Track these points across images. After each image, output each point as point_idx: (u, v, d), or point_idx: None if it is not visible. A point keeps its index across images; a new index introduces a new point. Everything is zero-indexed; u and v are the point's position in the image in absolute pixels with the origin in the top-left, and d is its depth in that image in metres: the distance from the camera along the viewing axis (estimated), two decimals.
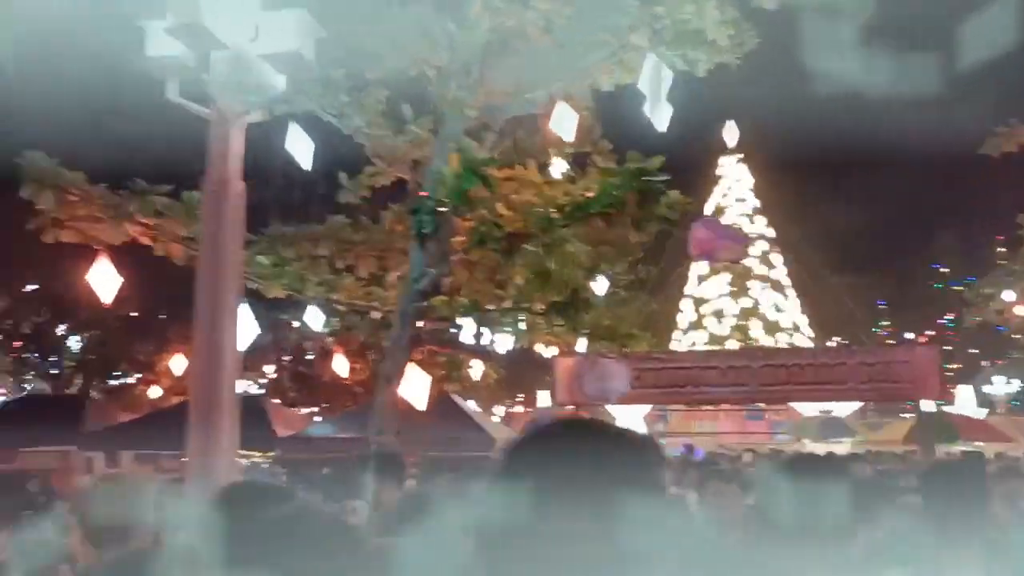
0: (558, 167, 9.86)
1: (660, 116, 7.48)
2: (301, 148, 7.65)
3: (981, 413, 24.71)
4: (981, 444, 16.06)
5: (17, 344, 30.83)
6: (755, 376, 13.38)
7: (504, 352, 17.87)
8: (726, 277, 33.39)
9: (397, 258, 10.94)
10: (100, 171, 9.11)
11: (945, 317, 49.04)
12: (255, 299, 9.19)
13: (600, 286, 16.35)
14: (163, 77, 5.01)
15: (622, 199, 7.60)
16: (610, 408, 24.72)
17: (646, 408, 26.01)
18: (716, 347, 28.88)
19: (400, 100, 8.97)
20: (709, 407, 26.93)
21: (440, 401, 14.94)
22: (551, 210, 8.06)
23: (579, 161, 10.54)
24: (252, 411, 17.20)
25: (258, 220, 11.93)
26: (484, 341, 11.14)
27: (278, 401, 23.90)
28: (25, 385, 32.95)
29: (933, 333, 42.96)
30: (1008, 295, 22.07)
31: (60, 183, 8.36)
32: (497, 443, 15.83)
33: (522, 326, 15.93)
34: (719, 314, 32.71)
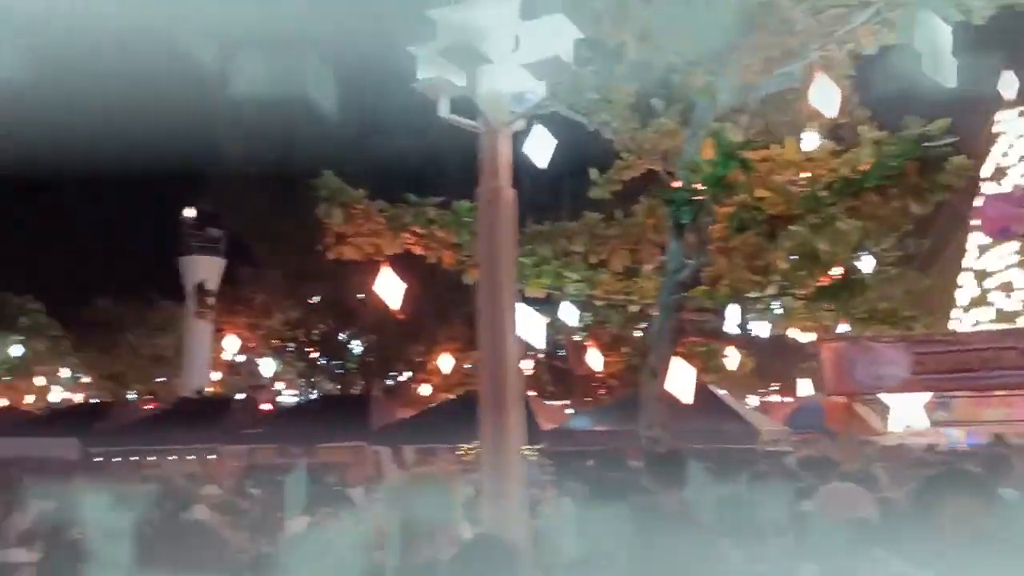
0: (810, 141, 9.28)
1: (946, 72, 6.77)
2: (542, 149, 7.84)
3: None
4: None
5: (310, 350, 34.56)
6: None
7: (758, 340, 17.22)
8: (1014, 246, 29.62)
9: (650, 250, 10.86)
10: (375, 188, 9.93)
11: None
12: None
13: (866, 264, 15.26)
14: (434, 97, 5.32)
15: (901, 169, 6.97)
16: (884, 397, 22.89)
17: (926, 396, 23.78)
18: (1008, 325, 25.76)
19: (648, 91, 8.89)
20: (1002, 392, 24.06)
21: (699, 392, 14.61)
22: (818, 188, 7.58)
23: (834, 134, 9.86)
24: None
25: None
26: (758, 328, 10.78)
27: (535, 394, 24.73)
28: (314, 387, 36.91)
29: None
30: None
31: (347, 200, 9.20)
32: (761, 434, 15.23)
33: (780, 311, 15.27)
34: (1007, 288, 29.06)
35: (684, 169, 8.19)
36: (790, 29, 8.19)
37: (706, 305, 9.17)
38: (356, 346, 34.27)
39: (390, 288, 7.67)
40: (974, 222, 31.36)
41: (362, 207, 9.37)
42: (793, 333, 21.85)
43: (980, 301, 29.72)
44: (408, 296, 8.09)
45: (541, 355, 28.89)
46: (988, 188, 31.23)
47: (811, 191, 7.67)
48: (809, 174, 8.23)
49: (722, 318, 9.00)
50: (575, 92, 8.95)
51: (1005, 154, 30.77)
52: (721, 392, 17.01)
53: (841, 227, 7.88)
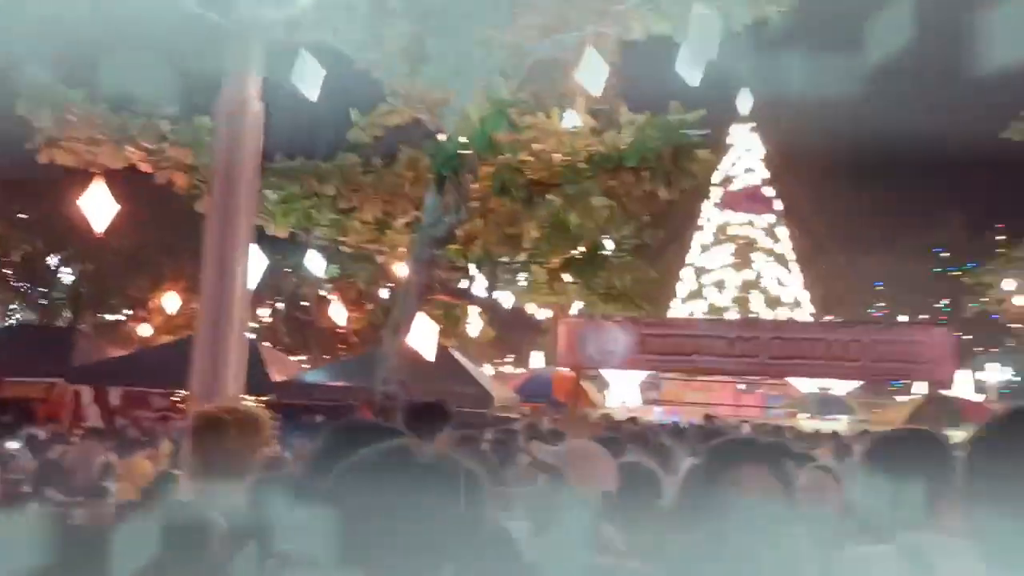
0: (573, 119, 9.39)
1: (695, 71, 7.02)
2: (310, 78, 7.18)
3: (979, 399, 24.62)
4: None
5: (6, 271, 30.24)
6: (765, 348, 13.06)
7: (502, 309, 17.57)
8: (729, 248, 33.04)
9: (405, 204, 10.49)
10: (103, 91, 8.59)
11: (941, 302, 48.88)
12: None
13: (608, 246, 15.96)
14: None
15: (658, 152, 7.17)
16: (606, 373, 24.51)
17: (642, 375, 25.81)
18: (717, 317, 28.63)
19: (423, 35, 8.45)
20: (704, 378, 26.75)
21: (440, 354, 14.63)
22: (579, 160, 7.63)
23: (593, 116, 10.07)
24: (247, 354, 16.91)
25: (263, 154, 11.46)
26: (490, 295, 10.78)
27: (269, 344, 23.56)
28: (11, 315, 32.51)
29: (927, 317, 42.76)
30: (1008, 284, 21.87)
31: (58, 101, 7.86)
32: (495, 401, 15.56)
33: (525, 284, 15.59)
34: (720, 285, 32.41)
35: (452, 121, 7.88)
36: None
37: (458, 264, 8.99)
38: (67, 274, 30.56)
39: (98, 206, 6.63)
40: (699, 222, 34.57)
41: (80, 111, 8.05)
42: (533, 309, 22.80)
43: (697, 294, 32.89)
44: (132, 221, 7.05)
45: (281, 303, 27.60)
46: (715, 193, 34.52)
47: (571, 162, 7.69)
48: (573, 146, 8.27)
49: (471, 280, 8.87)
50: (346, 22, 8.31)
51: (734, 164, 34.17)
52: (461, 357, 17.13)
53: (594, 203, 8.01)
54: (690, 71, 7.17)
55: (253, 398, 15.04)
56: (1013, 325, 29.61)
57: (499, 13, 8.23)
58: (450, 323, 23.42)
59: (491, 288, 9.05)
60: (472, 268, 8.87)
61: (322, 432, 2.18)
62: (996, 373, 34.13)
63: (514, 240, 9.93)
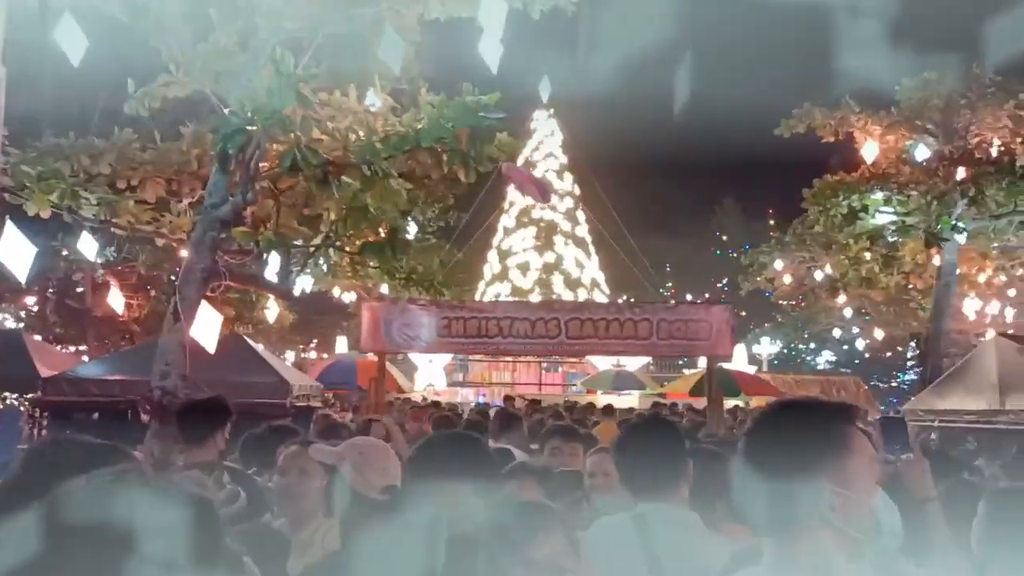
0: (372, 98, 9.12)
1: (492, 55, 7.00)
2: (73, 43, 6.45)
3: (751, 370, 26.89)
4: (760, 397, 17.37)
5: None
6: (564, 329, 13.44)
7: (299, 294, 16.93)
8: (532, 231, 33.90)
9: (191, 183, 9.77)
10: None
11: (722, 281, 52.87)
12: (15, 217, 7.78)
13: (411, 229, 15.76)
14: None
15: (454, 133, 7.07)
16: (414, 356, 24.36)
17: (447, 358, 25.93)
18: (520, 299, 29.26)
19: (205, 1, 7.84)
20: (508, 359, 27.31)
21: (232, 343, 13.85)
22: (376, 140, 7.37)
23: (394, 98, 9.85)
24: (9, 347, 15.13)
25: (27, 131, 10.23)
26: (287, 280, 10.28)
27: (39, 337, 21.33)
28: None
29: (709, 296, 46.15)
30: (778, 264, 24.00)
31: None
32: (296, 390, 14.98)
33: (326, 267, 15.07)
34: (524, 267, 33.18)
35: (238, 95, 7.36)
36: None
37: (246, 248, 8.46)
38: None
39: None
40: (504, 204, 35.19)
41: None
42: (336, 292, 22.21)
43: (501, 277, 33.51)
44: None
45: (51, 291, 25.07)
46: None
47: (368, 142, 7.42)
48: (370, 126, 8.00)
49: (263, 265, 8.38)
50: None
51: (536, 149, 35.03)
52: (257, 345, 16.30)
53: (392, 185, 7.80)
54: (490, 55, 7.13)
55: (15, 395, 13.53)
56: (782, 302, 32.52)
57: None
58: (244, 309, 22.33)
59: (285, 273, 8.59)
60: (265, 252, 8.36)
61: (23, 452, 1.82)
62: (768, 346, 37.50)
63: (311, 222, 9.51)
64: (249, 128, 6.95)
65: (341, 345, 28.61)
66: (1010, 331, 16.81)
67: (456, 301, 16.26)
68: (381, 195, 7.93)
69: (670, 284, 52.85)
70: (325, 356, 29.94)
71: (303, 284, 16.72)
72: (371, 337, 15.09)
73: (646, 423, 3.37)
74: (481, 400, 23.52)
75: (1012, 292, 25.80)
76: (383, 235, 8.94)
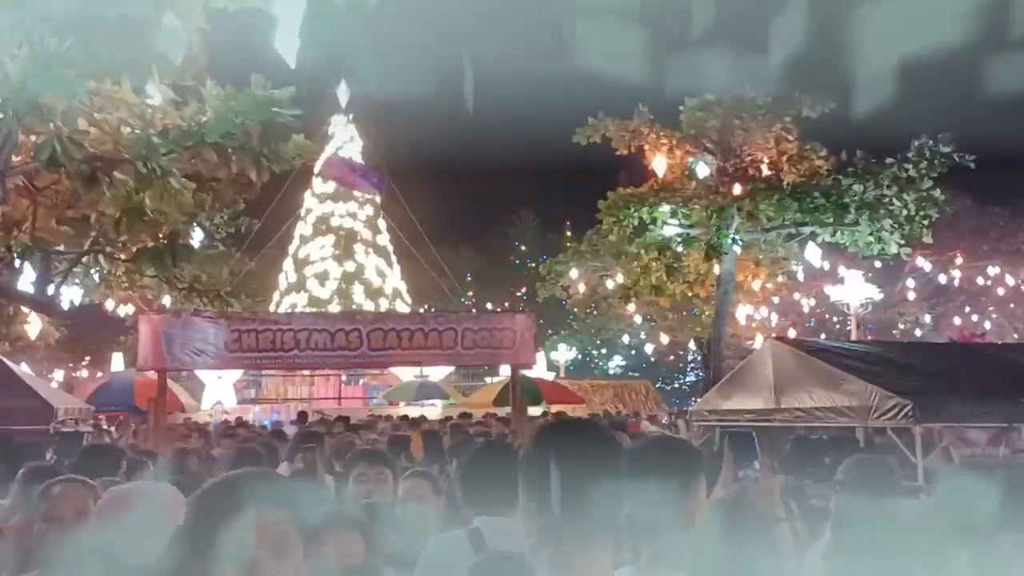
0: (151, 91, 8.26)
1: (289, 49, 6.49)
2: None
3: (550, 376, 27.58)
4: (562, 404, 17.71)
5: None
6: (366, 340, 12.95)
7: (68, 307, 15.20)
8: (331, 239, 32.85)
9: None
10: None
11: (520, 291, 54.13)
12: None
13: (196, 235, 14.62)
14: None
15: (244, 128, 6.46)
16: (200, 374, 22.69)
17: (237, 374, 24.43)
18: (318, 310, 28.17)
19: None
20: (306, 372, 26.18)
21: None
22: (153, 134, 6.59)
23: (178, 93, 9.00)
24: None
25: None
26: (50, 291, 9.06)
27: None
28: None
29: (508, 305, 47.14)
30: (573, 273, 24.86)
31: None
32: (59, 413, 13.35)
33: (98, 277, 13.60)
34: (322, 277, 32.05)
35: None
36: None
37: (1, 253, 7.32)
38: None
39: None
40: (300, 212, 33.90)
41: None
42: (113, 305, 20.21)
43: (299, 287, 32.15)
44: None
45: None
46: (317, 184, 34.09)
47: (144, 135, 6.63)
48: (148, 119, 7.16)
49: (16, 273, 7.27)
50: None
51: (335, 154, 34.02)
52: (16, 365, 14.39)
53: (173, 184, 7.02)
54: (287, 48, 6.59)
55: None
56: (576, 309, 33.71)
57: None
58: (1, 324, 19.79)
59: (44, 283, 7.51)
60: (18, 258, 7.26)
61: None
62: (564, 352, 38.74)
63: (78, 226, 8.44)
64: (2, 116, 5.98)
65: (117, 363, 26.17)
66: (773, 335, 18.32)
67: (247, 312, 15.27)
68: (160, 195, 7.12)
69: (471, 293, 53.37)
70: (100, 375, 27.27)
71: (71, 296, 15.03)
72: (151, 354, 13.78)
73: (488, 447, 3.53)
74: (274, 418, 22.30)
75: (776, 299, 28.32)
76: (162, 240, 8.07)
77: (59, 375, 32.32)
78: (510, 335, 12.43)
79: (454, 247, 47.20)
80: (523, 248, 57.99)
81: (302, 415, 15.60)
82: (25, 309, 17.48)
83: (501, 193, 55.19)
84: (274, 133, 6.60)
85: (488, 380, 26.91)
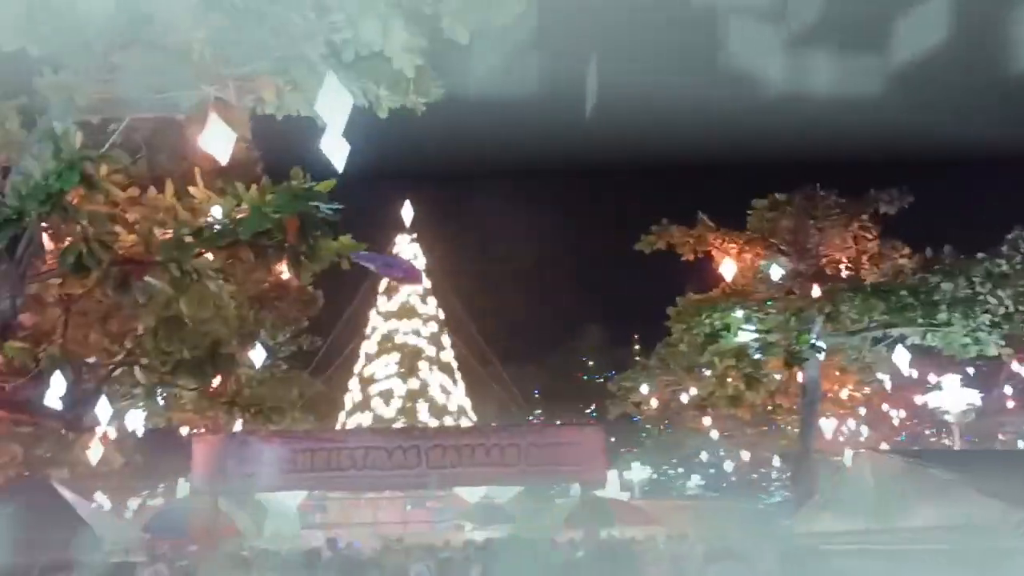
0: (197, 195, 8.01)
1: (338, 152, 6.13)
2: None
3: (624, 496, 26.04)
4: (634, 527, 16.38)
5: None
6: (424, 457, 12.19)
7: (137, 430, 14.86)
8: (395, 356, 32.58)
9: None
10: None
11: (590, 408, 52.76)
12: None
13: (257, 355, 14.25)
14: None
15: (280, 224, 6.03)
16: (262, 496, 22.04)
17: (301, 495, 23.71)
18: (377, 426, 27.57)
19: None
20: (372, 494, 25.32)
21: (29, 489, 11.69)
22: (184, 233, 6.22)
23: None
24: None
25: None
26: (101, 411, 8.63)
27: None
28: None
29: (586, 423, 45.83)
30: (644, 388, 23.75)
31: None
32: (106, 543, 12.79)
33: (162, 400, 13.26)
34: (387, 395, 31.59)
35: (14, 180, 6.09)
36: (181, 50, 6.90)
37: (26, 368, 6.91)
38: None
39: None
40: (366, 331, 33.90)
41: None
42: (185, 430, 19.93)
43: (363, 406, 31.70)
44: None
45: None
46: (381, 303, 34.19)
47: (176, 235, 6.26)
48: (183, 220, 6.82)
49: (44, 388, 6.84)
50: None
51: None
52: (67, 492, 13.99)
53: (210, 287, 6.59)
54: (334, 152, 6.22)
55: None
56: (648, 426, 32.28)
57: (87, 60, 6.69)
58: (56, 448, 19.62)
59: (72, 398, 7.06)
60: (48, 372, 6.84)
61: None
62: (638, 471, 36.95)
63: (115, 336, 8.06)
64: (17, 218, 5.66)
65: (183, 488, 25.81)
66: (863, 449, 16.81)
67: (303, 431, 14.72)
68: (197, 301, 6.68)
69: (539, 411, 52.26)
70: (153, 502, 26.86)
71: (135, 419, 14.77)
72: (204, 475, 13.29)
73: None
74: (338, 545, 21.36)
75: (863, 410, 26.51)
76: (201, 350, 7.61)
77: (134, 503, 32.02)
78: (577, 450, 11.51)
79: (520, 364, 46.44)
80: (591, 364, 56.88)
81: (330, 541, 14.51)
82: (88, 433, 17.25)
83: (565, 308, 54.73)
84: (311, 227, 6.15)
85: (557, 501, 25.52)
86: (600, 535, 12.54)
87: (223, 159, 6.84)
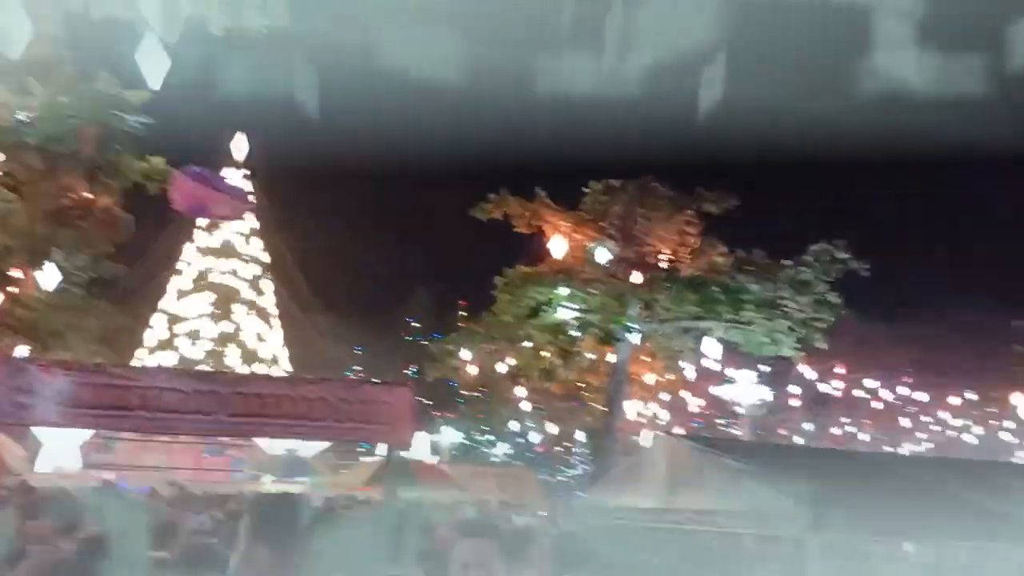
0: None
1: (154, 67, 5.46)
2: None
3: (432, 459, 26.17)
4: (437, 489, 16.43)
5: None
6: (224, 404, 11.46)
7: None
8: (210, 296, 30.87)
9: None
10: None
11: (410, 368, 52.71)
12: None
13: (48, 277, 12.95)
14: None
15: (78, 132, 5.31)
16: (36, 431, 20.24)
17: (85, 434, 22.00)
18: (177, 367, 26.04)
19: None
20: (164, 438, 23.88)
21: None
22: None
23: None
24: None
25: None
26: None
27: None
28: None
29: (398, 382, 45.67)
30: (466, 354, 23.86)
31: None
32: None
33: None
34: (194, 335, 29.89)
35: None
36: None
37: None
38: None
39: None
40: (179, 265, 31.85)
41: None
42: None
43: (167, 344, 29.85)
44: None
45: None
46: (200, 238, 32.20)
47: None
48: None
49: None
50: None
51: None
52: None
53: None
54: (151, 66, 5.55)
55: None
56: (464, 392, 32.60)
57: None
58: None
59: None
60: None
61: None
62: (449, 436, 37.31)
63: None
64: None
65: None
66: (660, 432, 17.74)
67: (90, 364, 13.53)
68: None
69: (359, 367, 51.54)
70: None
71: None
72: None
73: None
74: (123, 486, 20.02)
75: (665, 397, 28.05)
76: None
77: None
78: (387, 410, 11.23)
79: (344, 318, 45.47)
80: (417, 325, 56.77)
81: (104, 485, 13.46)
82: None
83: (399, 268, 54.17)
84: (115, 140, 5.48)
85: (362, 460, 25.27)
86: (400, 496, 12.40)
87: (15, 48, 5.98)
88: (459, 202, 20.10)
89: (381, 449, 18.63)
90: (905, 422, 36.31)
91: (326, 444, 22.54)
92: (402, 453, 14.74)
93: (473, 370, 24.82)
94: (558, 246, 18.51)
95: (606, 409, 20.39)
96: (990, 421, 32.88)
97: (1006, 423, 31.69)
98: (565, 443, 43.47)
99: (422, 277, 57.98)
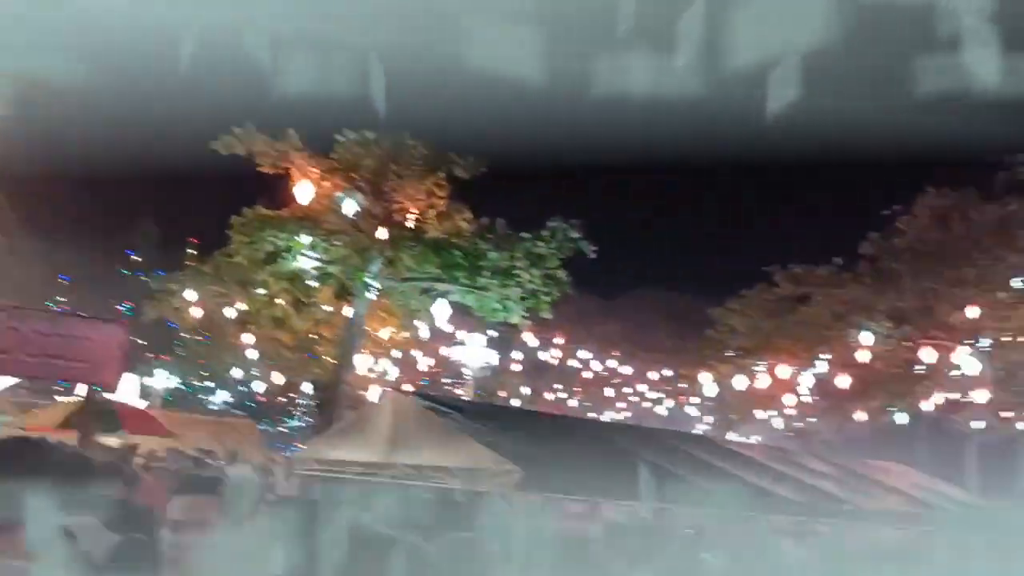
0: None
1: None
2: None
3: (142, 404, 24.34)
4: (145, 436, 15.35)
5: None
6: None
7: None
8: None
9: None
10: None
11: (125, 305, 48.72)
12: None
13: None
14: None
15: None
16: None
17: None
18: None
19: None
20: None
21: None
22: None
23: None
24: None
25: None
26: None
27: None
28: None
29: (109, 318, 41.89)
30: (191, 294, 22.47)
31: None
32: None
33: None
34: None
35: None
36: None
37: None
38: None
39: None
40: None
41: None
42: None
43: None
44: None
45: None
46: None
47: None
48: None
49: None
50: None
51: None
52: None
53: None
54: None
55: None
56: (185, 335, 30.70)
57: None
58: None
59: None
60: None
61: None
62: (163, 380, 34.90)
63: None
64: None
65: None
66: (388, 388, 17.96)
67: None
68: None
69: (64, 299, 46.66)
70: None
71: None
72: None
73: None
74: None
75: (396, 354, 28.36)
76: None
77: None
78: (90, 347, 10.21)
79: (53, 243, 40.71)
80: (138, 260, 52.35)
81: None
82: None
83: (127, 199, 49.43)
84: None
85: (58, 400, 22.92)
86: (101, 440, 11.41)
87: None
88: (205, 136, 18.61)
89: (81, 389, 17.01)
90: (609, 392, 39.93)
91: (14, 379, 20.12)
92: (107, 395, 13.55)
93: (197, 312, 23.38)
94: (304, 191, 17.88)
95: (336, 362, 20.19)
96: (680, 396, 36.99)
97: (692, 399, 35.85)
98: (290, 394, 42.52)
99: (152, 210, 53.39)
